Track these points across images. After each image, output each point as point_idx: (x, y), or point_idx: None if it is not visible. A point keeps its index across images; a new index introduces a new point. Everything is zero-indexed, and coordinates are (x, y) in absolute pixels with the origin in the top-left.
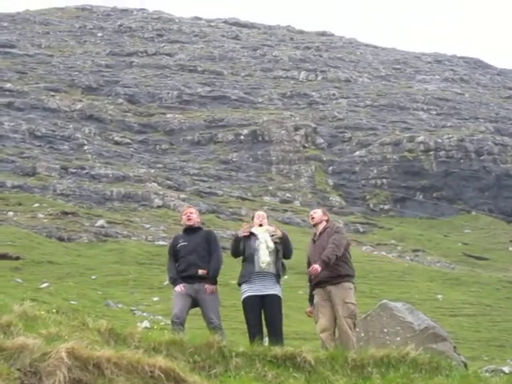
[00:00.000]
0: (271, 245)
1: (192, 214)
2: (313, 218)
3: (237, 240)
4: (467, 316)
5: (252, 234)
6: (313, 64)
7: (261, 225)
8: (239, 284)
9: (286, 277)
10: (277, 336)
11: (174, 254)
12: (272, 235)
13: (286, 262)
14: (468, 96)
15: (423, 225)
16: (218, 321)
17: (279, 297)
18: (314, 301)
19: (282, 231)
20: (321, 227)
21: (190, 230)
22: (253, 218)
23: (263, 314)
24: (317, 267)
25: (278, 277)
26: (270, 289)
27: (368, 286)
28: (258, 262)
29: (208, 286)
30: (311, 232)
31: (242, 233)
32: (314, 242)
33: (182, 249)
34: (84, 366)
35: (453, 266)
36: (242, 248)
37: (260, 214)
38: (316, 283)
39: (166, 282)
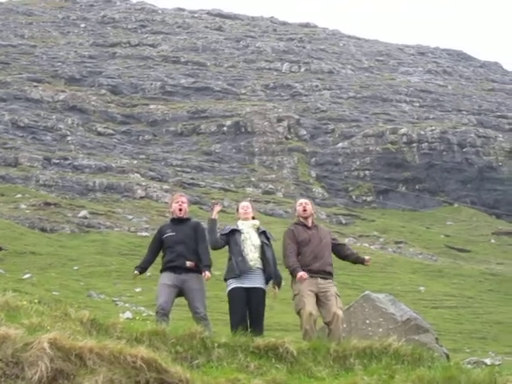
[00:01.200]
0: (256, 242)
1: (184, 204)
2: (305, 211)
3: (211, 222)
4: (449, 308)
5: (236, 230)
6: (296, 55)
7: (246, 213)
8: (225, 279)
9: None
10: (258, 328)
11: (159, 244)
12: (258, 228)
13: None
14: (451, 88)
15: (405, 217)
16: (204, 311)
17: (264, 290)
18: (300, 286)
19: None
20: (311, 219)
21: (178, 221)
22: (237, 210)
23: (247, 307)
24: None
25: (264, 272)
26: (256, 282)
27: (350, 277)
28: (245, 259)
29: (207, 273)
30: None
31: (214, 214)
32: (307, 227)
33: (169, 239)
34: (66, 357)
35: (435, 258)
36: (226, 242)
37: (245, 205)
38: (305, 271)
39: (149, 274)
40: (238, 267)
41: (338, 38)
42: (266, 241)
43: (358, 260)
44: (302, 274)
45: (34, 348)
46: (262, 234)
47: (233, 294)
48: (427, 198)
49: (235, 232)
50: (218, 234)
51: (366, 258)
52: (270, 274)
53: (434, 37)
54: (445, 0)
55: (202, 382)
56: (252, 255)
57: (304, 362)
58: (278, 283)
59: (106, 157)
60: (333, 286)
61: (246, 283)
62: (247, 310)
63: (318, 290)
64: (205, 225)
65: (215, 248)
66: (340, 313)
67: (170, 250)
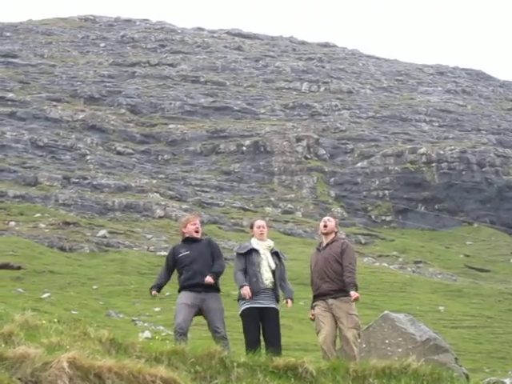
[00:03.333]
0: (272, 264)
1: (199, 226)
2: (325, 227)
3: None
4: (468, 328)
5: (254, 250)
6: (315, 75)
7: (262, 234)
8: (239, 299)
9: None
10: (275, 348)
11: (173, 264)
12: (272, 249)
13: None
14: (470, 108)
15: (425, 236)
16: (224, 330)
17: (277, 310)
18: (315, 311)
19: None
20: (330, 238)
21: (191, 240)
22: (252, 227)
23: (261, 328)
24: (357, 295)
25: (276, 291)
26: (269, 303)
27: (369, 297)
28: (260, 280)
29: (209, 278)
30: (312, 243)
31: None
32: (319, 250)
33: (184, 258)
34: (85, 376)
35: (454, 278)
36: (244, 263)
37: (261, 224)
38: (317, 295)
39: (168, 293)
40: (253, 288)
41: (358, 58)
42: (277, 261)
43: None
44: (310, 316)
45: (54, 367)
46: (275, 254)
47: (246, 314)
48: (446, 217)
49: (252, 252)
50: (240, 267)
51: (352, 293)
52: (277, 295)
53: (453, 56)
54: (464, 20)
55: None
56: (267, 275)
57: (323, 382)
58: (290, 298)
59: (125, 176)
60: (346, 305)
61: (259, 303)
62: (261, 330)
63: (331, 310)
64: (220, 245)
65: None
66: (350, 335)
67: (186, 269)
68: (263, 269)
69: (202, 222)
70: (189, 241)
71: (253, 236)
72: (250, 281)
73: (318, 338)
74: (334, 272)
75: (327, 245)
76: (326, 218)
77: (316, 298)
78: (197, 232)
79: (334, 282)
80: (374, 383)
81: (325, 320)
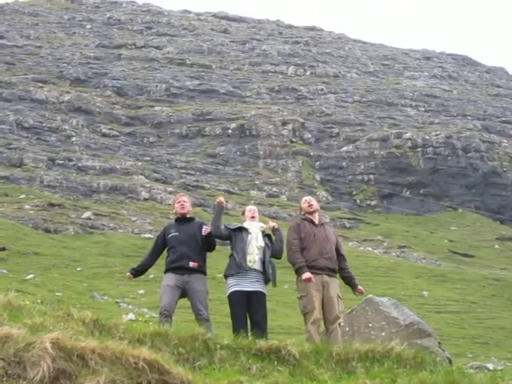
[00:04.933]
0: (261, 243)
1: (185, 203)
2: (311, 205)
3: (219, 207)
4: (452, 313)
5: (243, 229)
6: (301, 59)
7: (253, 217)
8: (226, 276)
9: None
10: (261, 332)
11: (162, 244)
12: (263, 231)
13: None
14: (456, 93)
15: (409, 221)
16: (207, 313)
17: (264, 294)
18: (308, 287)
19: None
20: (317, 216)
21: (183, 220)
22: (243, 213)
23: (248, 311)
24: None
25: (264, 275)
26: (256, 285)
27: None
28: (245, 258)
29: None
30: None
31: (222, 199)
32: (314, 224)
33: (173, 239)
34: (68, 357)
35: (439, 263)
36: (229, 236)
37: (252, 208)
38: (311, 266)
39: (152, 275)
40: (239, 264)
41: (344, 42)
42: (268, 243)
43: (349, 281)
44: (309, 276)
45: (37, 348)
46: (266, 237)
47: (233, 297)
48: (431, 202)
49: (242, 230)
50: (223, 226)
51: (359, 287)
52: (268, 276)
53: (439, 42)
54: (451, 5)
55: None
56: (253, 256)
57: (306, 365)
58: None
59: (110, 158)
60: (337, 286)
61: (246, 286)
62: (248, 313)
63: (324, 289)
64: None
65: (216, 235)
66: (341, 316)
67: (172, 251)
68: (250, 248)
69: (192, 203)
70: (180, 221)
71: (244, 221)
72: (237, 257)
73: (308, 318)
74: (331, 252)
75: (320, 224)
76: (307, 198)
77: (308, 268)
78: (182, 208)
79: (331, 260)
80: (357, 366)
81: (317, 302)
